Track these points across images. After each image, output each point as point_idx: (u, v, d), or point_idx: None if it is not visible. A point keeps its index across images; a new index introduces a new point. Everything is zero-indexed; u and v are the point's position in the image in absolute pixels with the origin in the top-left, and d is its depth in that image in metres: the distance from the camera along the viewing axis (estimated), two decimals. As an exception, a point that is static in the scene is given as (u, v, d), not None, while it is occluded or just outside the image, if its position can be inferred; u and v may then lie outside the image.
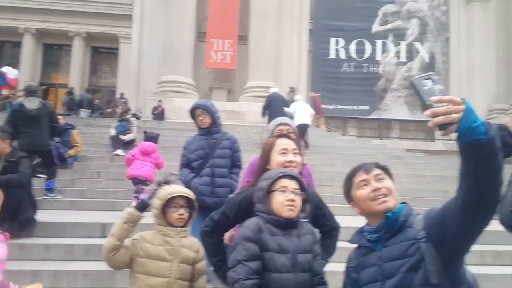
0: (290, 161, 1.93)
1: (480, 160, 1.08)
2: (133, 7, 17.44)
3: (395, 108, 17.66)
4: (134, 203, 5.27)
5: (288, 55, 17.41)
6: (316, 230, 2.15)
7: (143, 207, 2.08)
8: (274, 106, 10.08)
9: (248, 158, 7.38)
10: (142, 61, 17.21)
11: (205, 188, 3.21)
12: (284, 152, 1.96)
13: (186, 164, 3.38)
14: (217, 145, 3.32)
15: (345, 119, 17.54)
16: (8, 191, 3.63)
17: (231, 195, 3.20)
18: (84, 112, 14.54)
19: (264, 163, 2.00)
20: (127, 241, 2.04)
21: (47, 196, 5.42)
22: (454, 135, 1.10)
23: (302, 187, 1.76)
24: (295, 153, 1.98)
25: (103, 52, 19.25)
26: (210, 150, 3.30)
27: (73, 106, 14.71)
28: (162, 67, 15.68)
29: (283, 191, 1.70)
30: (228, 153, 3.37)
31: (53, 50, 19.10)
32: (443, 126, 1.06)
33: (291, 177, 1.75)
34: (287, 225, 1.69)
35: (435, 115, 1.06)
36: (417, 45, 18.16)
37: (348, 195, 1.58)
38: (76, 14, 17.33)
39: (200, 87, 16.24)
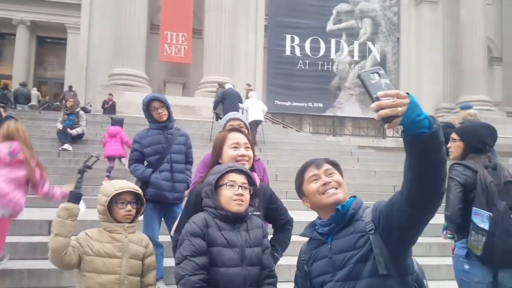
0: (242, 155, 1.94)
1: (424, 153, 1.10)
2: (83, -5, 16.63)
3: (348, 106, 18.27)
4: (104, 182, 6.13)
5: (244, 51, 17.43)
6: (270, 225, 2.20)
7: (76, 198, 2.02)
8: (228, 102, 10.04)
9: (203, 153, 7.38)
10: (92, 52, 16.44)
11: (165, 183, 3.16)
12: (236, 146, 1.96)
13: (139, 159, 3.27)
14: (173, 141, 3.27)
15: (300, 115, 17.90)
16: None
17: (187, 191, 3.18)
18: (20, 108, 13.68)
19: (216, 157, 2.00)
20: (73, 241, 1.97)
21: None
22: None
23: (251, 181, 1.76)
24: (246, 147, 1.99)
25: (50, 43, 18.24)
26: (167, 145, 3.23)
27: (4, 101, 13.62)
28: (113, 59, 15.10)
29: (231, 185, 1.69)
30: (183, 149, 3.34)
31: (-6, 39, 17.82)
32: (388, 119, 1.08)
33: (240, 171, 1.74)
34: (235, 219, 1.69)
35: (380, 108, 1.08)
36: (370, 44, 18.86)
37: (300, 190, 1.60)
38: (20, 1, 16.23)
39: (153, 81, 15.85)
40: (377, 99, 1.09)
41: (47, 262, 3.19)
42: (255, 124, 10.01)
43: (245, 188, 1.71)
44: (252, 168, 2.04)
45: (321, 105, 18.09)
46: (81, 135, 8.17)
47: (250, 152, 1.99)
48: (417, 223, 1.28)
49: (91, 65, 16.42)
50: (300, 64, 18.16)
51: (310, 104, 17.95)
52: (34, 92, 15.76)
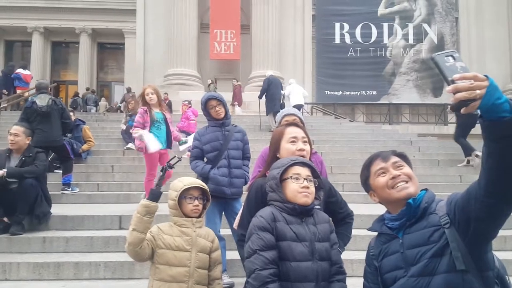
0: (300, 149, 1.93)
1: (504, 139, 1.04)
2: (136, 1, 17.44)
3: (405, 92, 17.48)
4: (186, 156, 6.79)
5: (291, 43, 17.31)
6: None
7: (156, 197, 2.11)
8: (272, 89, 10.55)
9: (255, 147, 7.50)
10: (147, 55, 17.27)
11: (224, 179, 3.25)
12: (293, 141, 1.95)
13: (199, 156, 3.39)
14: (231, 137, 3.35)
15: (353, 105, 17.43)
16: (24, 184, 3.76)
17: (245, 186, 3.26)
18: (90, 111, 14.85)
19: (274, 152, 2.01)
20: (147, 234, 2.08)
21: (65, 190, 5.54)
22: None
23: (315, 174, 1.74)
24: (304, 142, 1.98)
25: (109, 48, 19.38)
26: (225, 141, 3.32)
27: (75, 105, 14.93)
28: (167, 60, 15.75)
29: (297, 178, 1.68)
30: (240, 145, 3.41)
31: (61, 48, 19.30)
32: (465, 103, 1.03)
33: (303, 164, 1.73)
34: (302, 212, 1.67)
35: (457, 91, 1.03)
36: (425, 26, 17.86)
37: (366, 184, 1.56)
38: (82, 11, 17.45)
39: (205, 79, 16.28)
40: (453, 82, 1.05)
41: (120, 255, 3.49)
42: (298, 108, 9.78)
43: (310, 180, 1.70)
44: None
45: (374, 93, 17.49)
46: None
47: (307, 147, 1.99)
48: (497, 215, 1.20)
49: (147, 67, 17.25)
50: (351, 52, 17.66)
51: (363, 93, 17.42)
52: (102, 102, 16.83)
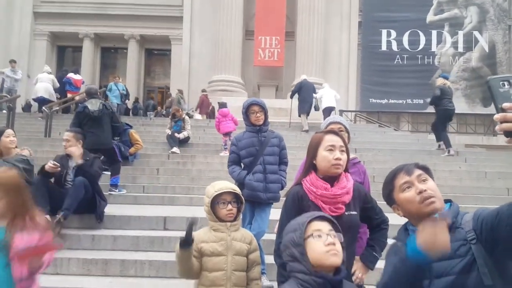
0: (337, 158, 1.90)
1: None
2: (183, 8, 17.97)
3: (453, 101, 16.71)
4: (222, 153, 8.13)
5: (336, 50, 17.13)
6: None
7: (186, 243, 2.00)
8: (304, 92, 11.26)
9: (297, 155, 7.46)
10: (193, 61, 17.72)
11: (259, 184, 3.29)
12: (331, 149, 1.93)
13: (236, 161, 3.46)
14: (267, 143, 3.39)
15: (398, 114, 16.90)
16: (76, 182, 4.00)
17: (282, 191, 3.26)
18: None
19: (311, 158, 1.99)
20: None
21: (112, 191, 5.78)
22: None
23: (336, 228, 1.52)
24: (342, 151, 1.94)
25: (156, 54, 20.06)
26: (260, 147, 3.36)
27: (135, 111, 15.97)
28: (211, 66, 16.07)
29: (319, 235, 1.46)
30: (276, 150, 3.43)
31: (110, 53, 20.22)
32: (510, 133, 1.02)
33: (322, 218, 1.54)
34: (331, 285, 1.42)
35: (504, 121, 1.02)
36: (476, 34, 17.06)
37: (390, 198, 1.53)
38: (131, 18, 18.19)
39: (248, 85, 16.45)
40: (503, 110, 1.02)
41: (164, 255, 3.59)
42: (329, 110, 11.13)
43: (334, 236, 1.46)
44: (346, 170, 2.01)
45: (421, 101, 16.84)
46: (187, 138, 8.85)
47: (344, 156, 1.95)
48: None
49: (192, 73, 17.69)
50: (398, 59, 17.19)
51: (409, 101, 16.87)
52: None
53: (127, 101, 14.22)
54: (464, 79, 16.94)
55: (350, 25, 17.40)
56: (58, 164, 3.97)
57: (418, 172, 1.47)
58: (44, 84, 12.41)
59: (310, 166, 1.99)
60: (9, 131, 4.16)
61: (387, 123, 14.84)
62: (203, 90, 14.92)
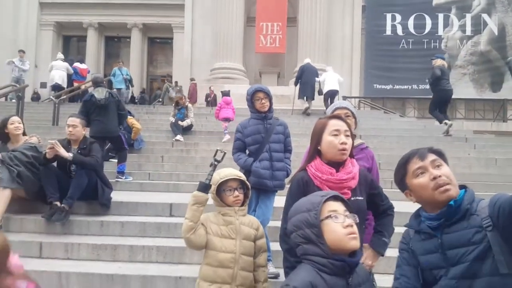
0: (343, 143, 1.90)
1: None
2: (185, -4, 17.86)
3: (460, 86, 16.48)
4: (225, 139, 8.28)
5: (339, 36, 16.96)
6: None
7: (204, 188, 2.15)
8: (306, 76, 11.17)
9: (300, 142, 7.46)
10: (195, 49, 17.66)
11: (265, 172, 3.27)
12: (336, 134, 1.92)
13: (241, 148, 3.43)
14: (272, 130, 3.36)
15: (403, 99, 16.74)
16: (78, 170, 3.99)
17: (287, 179, 3.26)
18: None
19: (315, 144, 1.99)
20: (202, 220, 2.16)
21: (119, 178, 5.84)
22: None
23: (348, 207, 1.44)
24: (346, 135, 1.93)
25: (159, 43, 20.00)
26: (266, 134, 3.33)
27: (142, 101, 16.00)
28: (213, 54, 15.99)
29: (336, 216, 1.36)
30: (282, 138, 3.42)
31: (114, 42, 20.20)
32: None
33: (335, 197, 1.45)
34: (351, 269, 1.36)
35: None
36: (485, 16, 16.72)
37: (402, 183, 1.50)
38: (133, 6, 18.12)
39: (250, 72, 16.37)
40: None
41: (171, 241, 3.64)
42: (331, 94, 11.04)
43: (349, 217, 1.38)
44: (351, 155, 2.01)
45: (427, 87, 16.51)
46: (190, 126, 8.88)
47: (350, 140, 1.95)
48: None
49: (194, 61, 17.65)
50: (403, 44, 16.96)
51: (414, 87, 16.66)
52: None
53: (131, 87, 14.19)
54: (472, 63, 16.70)
55: (353, 9, 17.15)
56: (54, 143, 3.87)
57: (432, 157, 1.44)
58: (59, 71, 12.91)
59: (315, 151, 1.98)
60: (14, 118, 4.19)
61: (392, 109, 14.71)
62: (192, 79, 14.97)
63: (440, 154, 1.48)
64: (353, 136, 2.57)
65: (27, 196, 4.04)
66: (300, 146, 7.07)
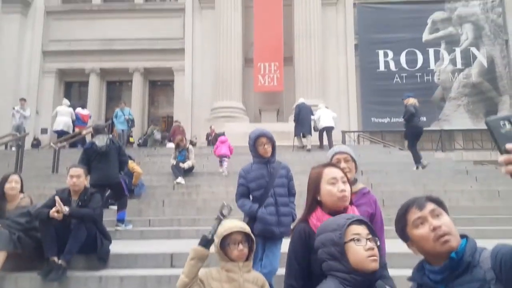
0: (342, 190, 1.89)
1: None
2: (185, 40, 18.43)
3: (456, 117, 16.71)
4: (221, 169, 9.15)
5: (335, 72, 17.37)
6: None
7: (206, 243, 2.13)
8: (302, 114, 11.89)
9: (302, 180, 7.41)
10: (195, 90, 18.02)
11: (272, 218, 3.20)
12: (333, 182, 1.91)
13: (245, 193, 3.36)
14: (276, 174, 3.32)
15: (402, 132, 16.82)
16: (77, 223, 3.91)
17: (293, 224, 3.22)
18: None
19: (313, 194, 1.97)
20: (200, 275, 2.11)
21: (119, 226, 5.78)
22: None
23: (372, 231, 1.59)
24: (344, 182, 1.93)
25: (160, 85, 20.39)
26: (270, 179, 3.29)
27: (145, 143, 16.08)
28: (213, 94, 16.33)
29: (358, 239, 1.51)
30: (286, 182, 3.37)
31: (115, 86, 20.58)
32: None
33: (359, 221, 1.59)
34: (371, 284, 1.50)
35: (509, 163, 0.99)
36: (474, 50, 17.23)
37: (403, 233, 1.48)
38: (135, 52, 18.59)
39: (250, 110, 16.62)
40: (507, 151, 0.99)
41: (172, 293, 3.54)
42: (328, 130, 11.86)
43: (371, 240, 1.53)
44: (351, 202, 1.99)
45: (424, 119, 16.71)
46: (192, 168, 8.90)
47: (348, 186, 1.94)
48: None
49: (195, 102, 17.96)
50: (397, 78, 17.31)
51: (411, 119, 16.80)
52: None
53: (132, 128, 14.33)
54: (465, 94, 16.99)
55: (346, 48, 17.67)
56: (62, 208, 3.82)
57: (431, 206, 1.42)
58: (65, 118, 13.28)
59: (314, 201, 1.96)
60: (11, 177, 4.16)
61: (391, 143, 14.82)
62: (175, 121, 15.48)
63: (439, 203, 1.45)
64: (354, 181, 2.57)
65: (23, 254, 3.93)
66: (303, 185, 7.04)
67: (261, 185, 3.29)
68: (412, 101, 9.35)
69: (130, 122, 13.24)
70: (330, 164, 2.15)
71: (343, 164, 2.48)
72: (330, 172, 1.96)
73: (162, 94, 20.63)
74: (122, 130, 12.76)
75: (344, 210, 1.92)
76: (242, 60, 16.60)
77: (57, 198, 3.84)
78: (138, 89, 19.29)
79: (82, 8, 19.45)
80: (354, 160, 2.60)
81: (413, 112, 8.98)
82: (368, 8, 18.01)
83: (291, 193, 3.43)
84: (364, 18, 17.83)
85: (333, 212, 1.90)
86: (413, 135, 9.17)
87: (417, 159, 9.14)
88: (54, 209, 3.77)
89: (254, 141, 3.35)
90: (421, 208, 1.42)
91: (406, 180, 8.29)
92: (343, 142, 14.77)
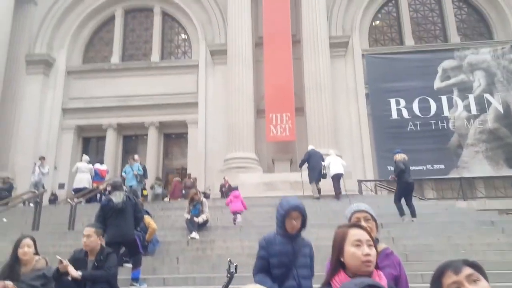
0: (367, 255, 1.82)
1: None
2: (198, 94, 19.07)
3: (475, 164, 16.36)
4: (234, 224, 9.45)
5: (347, 122, 17.53)
6: None
7: None
8: (313, 161, 12.19)
9: (319, 233, 7.17)
10: (208, 141, 18.30)
11: None
12: (358, 244, 1.85)
13: (264, 268, 2.95)
14: (299, 252, 2.95)
15: (420, 181, 16.46)
16: (95, 287, 3.81)
17: None
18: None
19: (337, 255, 1.90)
20: None
21: (133, 286, 5.60)
22: None
23: None
24: (369, 245, 1.86)
25: (174, 138, 20.79)
26: (293, 258, 2.92)
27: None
28: (226, 145, 16.49)
29: None
30: (309, 262, 3.01)
31: (131, 140, 21.05)
32: None
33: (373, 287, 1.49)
34: None
35: None
36: (487, 96, 17.23)
37: None
38: (150, 107, 19.27)
39: (263, 160, 16.64)
40: None
41: None
42: (337, 177, 12.11)
43: None
44: (376, 266, 1.90)
45: (442, 166, 16.55)
46: (206, 222, 8.75)
47: (373, 251, 1.86)
48: None
49: (208, 153, 18.15)
50: (410, 126, 17.28)
51: (429, 167, 16.54)
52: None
53: (144, 180, 14.36)
54: (483, 141, 16.75)
55: (357, 97, 17.95)
56: (65, 265, 3.72)
57: (468, 270, 1.36)
58: (85, 175, 13.63)
59: (337, 263, 1.88)
60: (24, 242, 4.08)
61: (410, 191, 14.43)
62: (175, 176, 15.71)
63: (477, 267, 1.38)
64: (376, 241, 2.45)
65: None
66: (320, 239, 6.79)
67: (283, 263, 2.91)
68: (400, 157, 9.56)
69: (139, 177, 13.27)
70: (356, 224, 2.06)
71: (363, 224, 2.37)
72: (355, 234, 1.89)
73: (176, 146, 20.97)
74: (130, 186, 12.79)
75: (369, 275, 1.82)
76: (254, 111, 16.93)
77: (66, 262, 3.77)
78: (153, 142, 19.68)
79: (101, 67, 20.48)
80: (374, 219, 2.49)
81: (403, 168, 9.22)
82: (377, 58, 18.48)
83: (312, 272, 3.05)
84: (373, 68, 18.22)
85: (357, 276, 1.80)
86: (404, 190, 9.33)
87: (401, 213, 9.26)
88: (61, 265, 3.70)
89: (285, 214, 2.93)
90: (457, 273, 1.37)
91: (428, 233, 7.94)
92: (360, 192, 14.52)
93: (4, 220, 10.53)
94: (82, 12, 20.95)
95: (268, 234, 3.07)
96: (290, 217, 2.90)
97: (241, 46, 16.81)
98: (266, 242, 2.97)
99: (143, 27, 21.63)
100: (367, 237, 1.89)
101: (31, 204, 11.06)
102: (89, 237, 4.08)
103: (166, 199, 14.86)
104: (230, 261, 2.24)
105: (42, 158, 13.78)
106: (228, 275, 2.15)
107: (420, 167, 16.50)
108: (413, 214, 9.17)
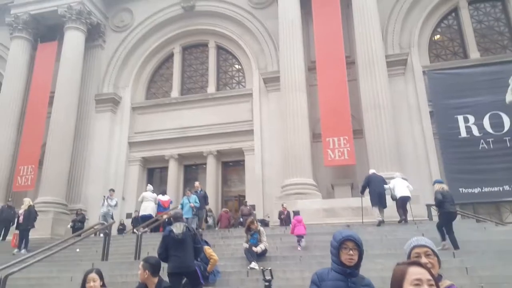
0: None
1: None
2: (253, 122, 19.42)
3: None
4: (299, 248, 9.78)
5: (410, 142, 16.65)
6: None
7: None
8: (373, 185, 11.86)
9: (385, 264, 6.74)
10: (265, 168, 18.37)
11: None
12: (417, 283, 1.73)
13: None
14: None
15: (497, 203, 15.02)
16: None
17: None
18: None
19: None
20: None
21: (194, 318, 5.62)
22: None
23: None
24: (430, 285, 1.73)
25: (231, 165, 21.20)
26: None
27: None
28: (283, 171, 16.35)
29: None
30: None
31: (192, 169, 21.87)
32: None
33: None
34: None
35: None
36: None
37: None
38: (208, 136, 20.00)
39: (322, 186, 16.24)
40: None
41: None
42: (403, 200, 11.69)
43: None
44: None
45: (521, 188, 14.95)
46: (265, 251, 8.65)
47: None
48: None
49: (265, 179, 18.18)
50: (482, 144, 15.94)
51: (506, 188, 15.02)
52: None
53: (206, 206, 14.86)
54: None
55: (420, 116, 17.07)
56: None
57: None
58: (151, 203, 14.53)
59: None
60: (90, 277, 4.20)
61: (485, 216, 13.20)
62: (223, 208, 16.56)
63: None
64: (439, 277, 2.26)
65: None
66: (385, 270, 6.38)
67: None
68: (438, 187, 9.49)
69: (195, 210, 13.49)
70: (415, 262, 1.91)
71: (423, 260, 2.21)
72: (414, 273, 1.77)
73: (234, 174, 21.33)
74: (187, 219, 13.05)
75: None
76: (309, 136, 16.71)
77: None
78: (211, 170, 20.22)
79: (162, 102, 21.80)
80: (436, 254, 2.29)
81: (440, 199, 9.09)
82: (439, 74, 17.55)
83: None
84: (436, 85, 17.29)
85: None
86: (446, 220, 9.06)
87: (443, 238, 9.03)
88: None
89: (339, 244, 2.77)
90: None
91: (507, 262, 7.11)
92: (429, 217, 13.53)
93: (77, 250, 11.30)
94: (143, 53, 22.64)
95: (323, 269, 2.91)
96: (345, 246, 2.74)
97: (293, 71, 16.89)
98: (318, 277, 2.82)
99: (199, 61, 22.77)
100: (428, 276, 1.76)
101: (101, 235, 11.77)
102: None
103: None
104: (263, 268, 2.12)
105: (111, 190, 14.78)
106: (266, 283, 2.04)
107: (496, 188, 15.05)
108: (454, 244, 8.71)
